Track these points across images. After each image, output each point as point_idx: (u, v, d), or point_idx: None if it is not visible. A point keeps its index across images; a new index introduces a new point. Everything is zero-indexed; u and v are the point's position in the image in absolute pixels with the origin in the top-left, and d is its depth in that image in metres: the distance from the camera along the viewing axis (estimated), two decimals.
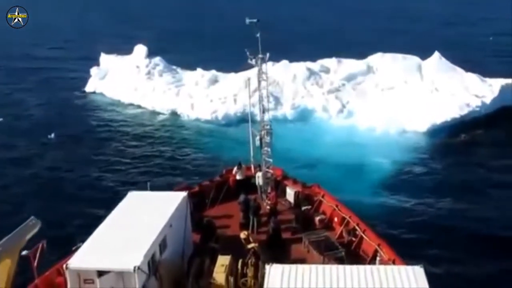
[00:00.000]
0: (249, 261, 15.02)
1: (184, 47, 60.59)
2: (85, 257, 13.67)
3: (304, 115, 37.19)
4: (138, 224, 14.93)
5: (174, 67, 46.75)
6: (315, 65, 42.70)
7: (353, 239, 16.74)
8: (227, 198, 19.34)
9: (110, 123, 38.87)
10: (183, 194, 16.49)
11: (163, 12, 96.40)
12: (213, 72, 43.85)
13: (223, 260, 14.94)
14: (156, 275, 14.00)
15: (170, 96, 40.99)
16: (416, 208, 24.58)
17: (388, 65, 41.41)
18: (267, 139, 18.23)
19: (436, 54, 41.11)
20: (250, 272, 14.76)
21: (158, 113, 39.87)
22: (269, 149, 18.50)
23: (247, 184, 19.75)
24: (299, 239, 16.91)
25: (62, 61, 59.83)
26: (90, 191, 27.24)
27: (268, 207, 18.80)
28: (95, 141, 35.25)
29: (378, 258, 15.68)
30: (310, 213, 18.36)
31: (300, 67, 41.21)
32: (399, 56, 42.24)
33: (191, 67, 45.99)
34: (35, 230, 16.15)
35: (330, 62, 43.35)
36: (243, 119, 35.34)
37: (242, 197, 18.21)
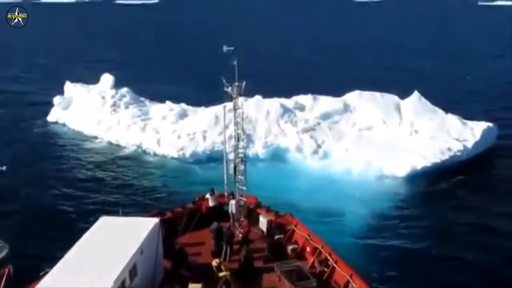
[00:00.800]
0: None
1: (154, 77, 64.16)
2: (54, 282, 15.24)
3: (277, 155, 38.86)
4: (108, 250, 16.70)
5: (141, 98, 49.56)
6: (290, 102, 45.66)
7: (325, 269, 18.91)
8: (200, 225, 21.46)
9: (70, 156, 40.48)
10: (155, 220, 18.46)
11: (135, 39, 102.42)
12: (183, 105, 46.57)
13: None
14: None
15: (136, 130, 43.07)
16: (392, 257, 25.63)
17: (365, 104, 44.17)
18: (241, 167, 20.81)
19: (416, 94, 43.95)
20: None
21: (123, 148, 41.75)
22: (243, 177, 21.00)
23: (220, 212, 22.09)
24: (271, 268, 18.98)
25: (25, 86, 62.84)
26: (42, 223, 28.63)
27: (240, 235, 21.06)
28: (53, 172, 36.79)
29: None
30: (282, 242, 20.64)
31: (274, 104, 43.97)
32: (377, 94, 45.13)
33: (159, 99, 48.89)
34: (3, 254, 17.84)
35: (305, 99, 46.17)
36: (212, 158, 37.01)
37: (214, 225, 20.43)
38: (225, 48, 19.28)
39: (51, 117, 48.57)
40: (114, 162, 39.13)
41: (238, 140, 20.53)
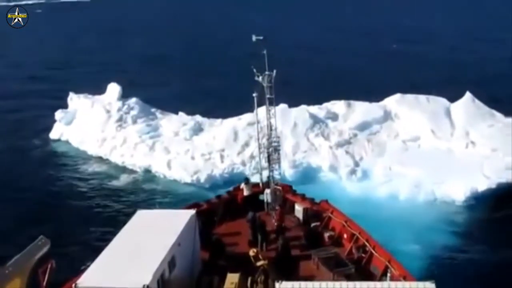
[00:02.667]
0: (259, 279, 22.78)
1: (168, 83, 75.64)
2: (95, 276, 20.37)
3: (307, 176, 42.93)
4: (147, 243, 22.42)
5: (152, 109, 57.43)
6: (320, 110, 51.77)
7: (363, 255, 25.18)
8: (235, 216, 28.38)
9: (70, 182, 47.63)
10: (191, 212, 24.98)
11: (149, 37, 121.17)
12: (197, 118, 53.86)
13: (232, 278, 22.56)
14: None
15: (143, 150, 50.26)
16: None
17: (409, 109, 48.91)
18: (275, 155, 27.70)
19: (468, 95, 48.45)
20: None
21: (129, 171, 48.77)
22: (277, 166, 27.87)
23: (255, 201, 28.94)
24: (308, 256, 25.37)
25: (27, 99, 73.86)
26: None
27: (275, 224, 27.67)
28: (50, 199, 43.59)
29: (388, 275, 23.72)
30: (319, 229, 27.24)
31: (302, 113, 50.20)
32: (422, 98, 50.09)
33: (172, 108, 56.69)
34: (45, 249, 24.67)
35: (338, 106, 52.01)
36: (231, 182, 40.19)
37: (250, 215, 27.15)
38: (254, 37, 26.13)
39: (53, 134, 57.25)
40: (118, 188, 45.76)
41: (271, 129, 27.45)
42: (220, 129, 51.34)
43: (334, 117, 51.46)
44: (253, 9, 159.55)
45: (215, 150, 48.12)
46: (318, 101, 53.56)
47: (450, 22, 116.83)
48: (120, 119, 55.41)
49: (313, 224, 27.63)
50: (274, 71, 26.49)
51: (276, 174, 28.52)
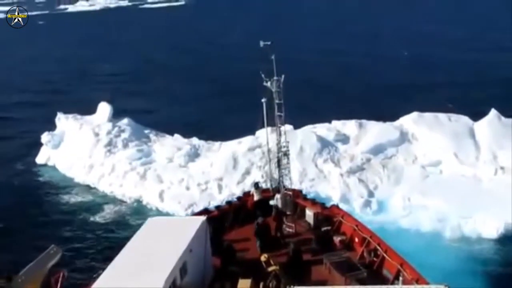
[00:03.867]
0: (270, 284, 27.23)
1: (164, 100, 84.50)
2: (107, 283, 23.51)
3: None
4: (158, 250, 26.55)
5: (145, 130, 63.33)
6: (329, 132, 55.68)
7: (375, 259, 30.12)
8: (246, 221, 33.92)
9: (54, 210, 52.44)
10: (202, 218, 29.99)
11: (148, 49, 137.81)
12: (194, 140, 58.93)
13: (244, 284, 26.93)
14: None
15: (134, 178, 54.82)
16: None
17: (428, 130, 52.30)
18: (284, 160, 33.30)
19: (493, 112, 51.66)
20: None
21: (118, 202, 53.21)
22: (287, 171, 33.49)
23: (265, 206, 34.30)
24: (320, 260, 30.33)
25: (14, 120, 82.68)
26: None
27: (288, 229, 33.21)
28: (33, 231, 47.74)
29: (401, 278, 28.30)
30: (330, 234, 32.39)
31: (309, 136, 53.98)
32: (442, 116, 53.66)
33: (168, 129, 62.69)
34: (56, 258, 29.48)
35: (349, 127, 55.75)
36: None
37: (260, 220, 32.44)
38: (262, 43, 31.56)
39: (40, 158, 63.03)
40: (106, 222, 49.93)
41: (281, 134, 32.90)
42: (218, 155, 56.15)
43: (344, 139, 55.78)
44: (254, 18, 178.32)
45: (212, 179, 52.42)
46: (326, 119, 58.38)
47: (473, 29, 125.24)
48: (110, 143, 61.15)
49: (324, 229, 32.89)
50: (283, 76, 32.00)
51: (286, 179, 34.13)
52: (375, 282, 27.50)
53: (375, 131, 55.07)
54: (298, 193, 36.08)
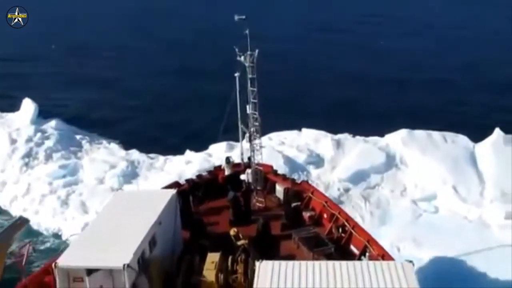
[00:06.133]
0: (239, 258, 26.25)
1: (109, 97, 68.75)
2: (74, 256, 23.32)
3: None
4: (127, 222, 25.51)
5: (77, 136, 51.51)
6: (299, 153, 45.41)
7: (343, 235, 29.41)
8: (216, 195, 32.59)
9: None
10: (172, 191, 28.74)
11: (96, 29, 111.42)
12: (134, 154, 48.42)
13: (212, 257, 25.87)
14: (146, 273, 23.99)
15: (53, 205, 42.98)
16: None
17: (420, 153, 43.40)
18: (256, 136, 31.84)
19: (497, 132, 43.15)
20: (240, 268, 25.80)
21: (33, 234, 40.51)
22: (258, 146, 32.01)
23: (236, 181, 33.13)
24: (289, 235, 29.51)
25: None
26: None
27: (258, 204, 31.85)
28: None
29: (367, 254, 27.82)
30: (299, 209, 31.40)
31: (275, 156, 42.61)
32: (437, 136, 44.67)
33: (107, 133, 53.25)
34: (23, 228, 27.99)
35: (323, 146, 45.58)
36: None
37: (231, 194, 31.35)
38: (236, 17, 29.92)
39: None
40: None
41: (254, 109, 31.44)
42: (159, 177, 44.87)
43: (318, 161, 46.06)
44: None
45: None
46: (296, 123, 50.74)
47: (476, 29, 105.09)
48: (29, 154, 49.61)
49: (293, 204, 31.79)
50: (257, 50, 30.44)
51: (257, 154, 32.77)
52: (342, 258, 26.54)
53: (356, 153, 45.46)
54: (269, 168, 34.86)
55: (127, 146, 51.72)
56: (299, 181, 34.14)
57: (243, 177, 33.45)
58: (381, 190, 41.94)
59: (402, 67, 78.84)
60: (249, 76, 30.90)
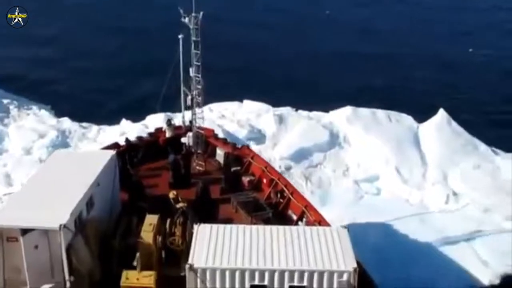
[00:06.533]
0: (177, 220, 26.16)
1: (46, 55, 64.11)
2: (8, 215, 22.69)
3: None
4: (64, 182, 24.93)
5: (6, 100, 48.33)
6: (240, 129, 43.51)
7: (281, 200, 29.73)
8: (157, 157, 32.35)
9: None
10: (111, 152, 28.35)
11: None
12: (65, 122, 45.26)
13: (151, 219, 25.64)
14: (82, 234, 23.75)
15: None
16: None
17: (364, 131, 42.35)
18: (199, 99, 31.61)
19: (442, 113, 42.54)
20: (178, 231, 25.74)
21: None
22: (201, 109, 31.78)
23: (177, 143, 32.89)
24: (228, 199, 29.64)
25: None
26: None
27: (197, 167, 31.68)
28: None
29: (304, 219, 28.32)
30: (239, 174, 31.48)
31: (215, 130, 37.70)
32: (381, 114, 43.93)
33: (40, 96, 50.20)
34: None
35: (265, 121, 43.68)
36: None
37: (171, 157, 31.20)
38: None
39: None
40: None
41: (197, 72, 31.13)
42: (93, 147, 41.52)
43: (259, 138, 43.88)
44: None
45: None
46: (234, 96, 48.60)
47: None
48: None
49: (233, 169, 31.87)
50: (201, 12, 30.02)
51: (199, 118, 32.53)
52: (280, 222, 26.74)
53: (298, 130, 43.53)
54: (210, 132, 34.86)
55: (58, 113, 48.70)
56: (239, 146, 34.20)
57: (184, 140, 33.23)
58: (323, 169, 40.47)
59: (350, 41, 75.80)
60: (193, 38, 30.54)
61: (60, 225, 21.60)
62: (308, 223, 27.44)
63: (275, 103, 47.78)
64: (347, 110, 45.25)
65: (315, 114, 46.44)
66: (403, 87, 59.06)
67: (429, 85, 59.96)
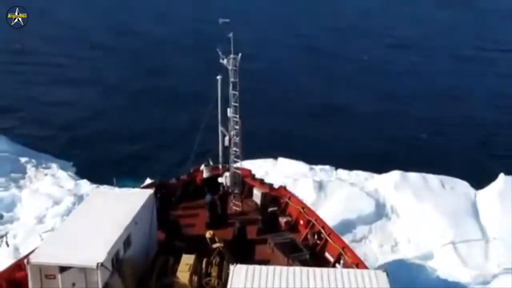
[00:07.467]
0: (214, 261, 26.04)
1: (68, 109, 60.92)
2: (47, 252, 22.88)
3: None
4: (102, 221, 25.16)
5: (23, 158, 45.10)
6: None
7: (318, 242, 29.21)
8: (194, 197, 32.44)
9: None
10: (149, 191, 28.33)
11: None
12: (83, 185, 42.30)
13: (187, 259, 25.68)
14: (119, 273, 23.80)
15: None
16: None
17: (415, 200, 37.92)
18: (236, 139, 31.53)
19: (502, 178, 38.24)
20: (214, 271, 25.59)
21: None
22: (237, 149, 31.73)
23: (215, 184, 32.73)
24: (264, 240, 29.24)
25: None
26: None
27: (234, 207, 31.64)
28: None
29: (341, 262, 27.71)
30: (276, 214, 31.14)
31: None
32: (432, 179, 39.39)
33: (61, 151, 48.26)
34: None
35: (303, 185, 39.07)
36: None
37: (208, 197, 31.05)
38: (220, 20, 29.68)
39: None
40: None
41: (235, 113, 31.16)
42: None
43: None
44: None
45: None
46: (268, 151, 45.05)
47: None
48: None
49: (270, 209, 31.47)
50: (239, 54, 30.18)
51: (236, 158, 32.40)
52: (317, 264, 26.29)
53: (340, 198, 38.81)
54: (247, 172, 34.54)
55: (80, 170, 46.33)
56: (276, 187, 33.75)
57: (221, 180, 33.09)
58: (368, 243, 35.95)
59: (391, 93, 70.22)
60: (231, 79, 30.69)
61: (97, 264, 21.55)
62: (345, 265, 26.88)
63: (311, 160, 44.52)
64: (395, 175, 40.61)
65: (357, 179, 41.87)
66: (455, 148, 54.09)
67: (485, 146, 55.31)
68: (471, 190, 39.05)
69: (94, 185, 41.59)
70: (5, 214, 38.96)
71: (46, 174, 44.57)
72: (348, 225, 35.88)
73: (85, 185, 42.30)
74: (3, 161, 44.69)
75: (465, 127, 59.81)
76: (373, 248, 35.87)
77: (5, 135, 48.97)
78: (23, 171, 44.94)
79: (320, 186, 40.13)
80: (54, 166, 46.28)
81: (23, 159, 45.95)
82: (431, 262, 34.32)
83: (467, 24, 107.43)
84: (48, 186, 42.29)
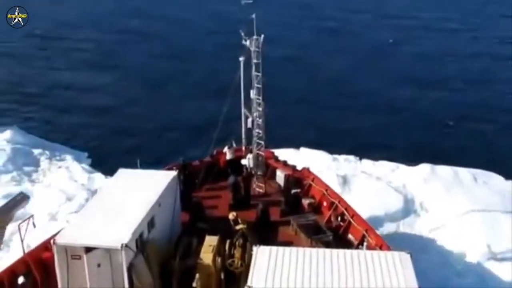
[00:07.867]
0: (237, 242, 26.04)
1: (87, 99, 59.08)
2: (73, 233, 23.24)
3: None
4: (127, 202, 25.39)
5: (36, 150, 44.01)
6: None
7: (341, 223, 29.18)
8: (217, 179, 32.56)
9: None
10: (173, 173, 28.41)
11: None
12: (96, 178, 41.08)
13: (210, 241, 25.70)
14: (143, 254, 23.96)
15: None
16: None
17: (445, 194, 36.23)
18: (259, 121, 31.52)
19: None
20: (237, 253, 25.61)
21: None
22: (261, 131, 31.74)
23: (238, 165, 32.88)
24: (288, 222, 29.29)
25: None
26: None
27: (257, 189, 31.77)
28: None
29: (365, 244, 27.52)
30: (299, 196, 31.16)
31: None
32: (463, 172, 37.34)
33: (76, 141, 47.37)
34: (23, 204, 27.90)
35: (328, 181, 33.74)
36: None
37: (232, 179, 31.17)
38: (243, 1, 29.95)
39: None
40: None
41: (258, 94, 31.17)
42: None
43: None
44: None
45: None
46: (291, 140, 43.96)
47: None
48: None
49: (293, 191, 31.49)
50: (262, 35, 30.10)
51: (259, 140, 32.38)
52: (340, 246, 25.96)
53: (366, 194, 36.86)
54: (270, 154, 34.55)
55: (95, 161, 45.00)
56: (300, 169, 33.71)
57: (244, 162, 33.14)
58: (397, 242, 30.89)
59: (422, 81, 66.00)
60: (254, 61, 30.58)
61: (122, 245, 21.76)
62: (369, 247, 26.72)
63: (334, 150, 43.07)
64: (424, 168, 38.58)
65: (383, 171, 39.73)
66: (487, 140, 50.31)
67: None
68: (507, 184, 37.12)
69: (109, 177, 37.91)
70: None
71: (60, 167, 43.38)
72: (374, 223, 32.76)
73: (98, 179, 41.16)
74: (16, 154, 43.56)
75: (497, 114, 56.41)
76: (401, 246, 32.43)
77: (19, 125, 48.39)
78: (36, 163, 43.74)
79: (345, 181, 38.57)
80: (68, 158, 45.04)
81: (36, 151, 44.73)
82: (464, 262, 31.95)
83: (496, 4, 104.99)
84: (63, 179, 41.15)
